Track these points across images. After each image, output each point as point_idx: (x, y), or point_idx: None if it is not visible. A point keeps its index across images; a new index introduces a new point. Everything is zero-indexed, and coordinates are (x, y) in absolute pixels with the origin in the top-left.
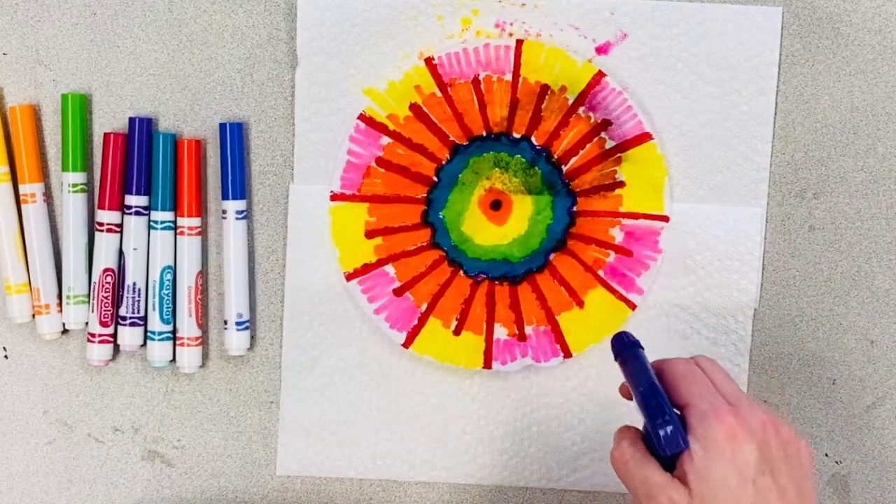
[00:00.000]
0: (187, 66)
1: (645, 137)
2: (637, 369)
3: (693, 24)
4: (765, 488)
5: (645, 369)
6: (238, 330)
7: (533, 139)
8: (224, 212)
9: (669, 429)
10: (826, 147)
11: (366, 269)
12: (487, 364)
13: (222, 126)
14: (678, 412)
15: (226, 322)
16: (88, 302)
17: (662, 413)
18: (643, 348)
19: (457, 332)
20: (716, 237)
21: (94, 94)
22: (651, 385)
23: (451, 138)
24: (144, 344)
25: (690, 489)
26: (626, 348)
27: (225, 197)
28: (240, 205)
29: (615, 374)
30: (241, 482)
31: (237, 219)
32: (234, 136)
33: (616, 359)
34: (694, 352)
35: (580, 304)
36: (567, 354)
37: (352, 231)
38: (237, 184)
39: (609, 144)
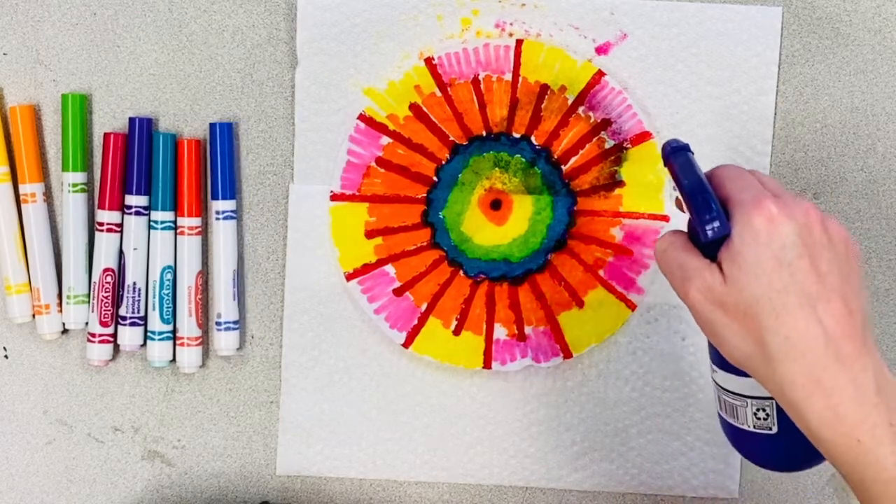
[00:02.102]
0: (187, 66)
1: (645, 137)
2: (684, 168)
3: (693, 24)
4: (801, 272)
5: (692, 168)
6: (219, 330)
7: (533, 139)
8: (217, 212)
9: (710, 214)
10: (826, 147)
11: (366, 269)
12: (487, 364)
13: (212, 126)
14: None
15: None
16: (88, 302)
17: (706, 202)
18: (693, 153)
19: (457, 332)
20: None
21: (94, 94)
22: (697, 179)
23: (451, 138)
24: (144, 344)
25: (724, 273)
26: (674, 151)
27: (214, 197)
28: (226, 205)
29: (615, 374)
30: (241, 482)
31: (222, 219)
32: (224, 137)
33: (665, 164)
34: (694, 352)
35: (580, 304)
36: (567, 355)
37: (352, 231)
38: (225, 184)
39: (609, 144)
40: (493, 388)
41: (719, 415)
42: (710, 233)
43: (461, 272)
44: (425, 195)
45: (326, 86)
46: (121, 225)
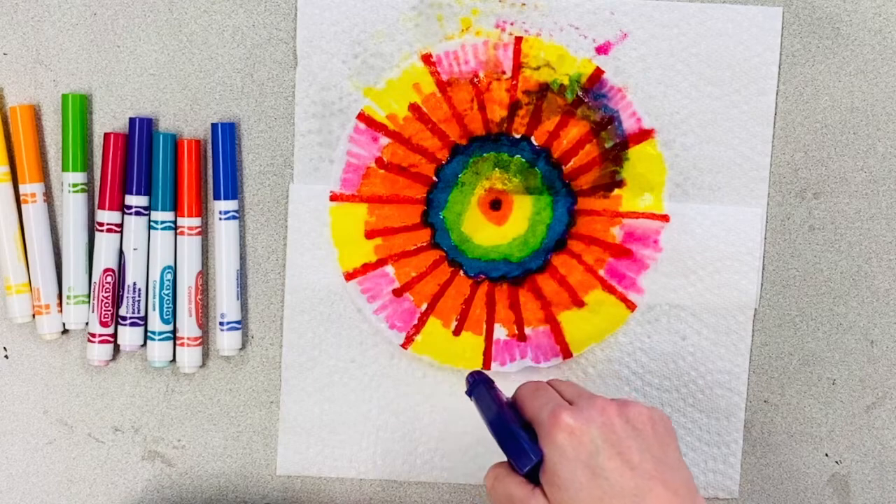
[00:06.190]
0: (187, 66)
1: (645, 136)
2: (484, 403)
3: (693, 24)
4: (615, 472)
5: (491, 401)
6: (223, 330)
7: (533, 139)
8: (219, 212)
9: (518, 449)
10: (826, 147)
11: (365, 269)
12: (487, 365)
13: (214, 126)
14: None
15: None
16: (88, 302)
17: (511, 437)
18: (491, 382)
19: (457, 332)
20: (716, 237)
21: (94, 94)
22: (497, 414)
23: (451, 138)
24: (144, 344)
25: (547, 497)
26: (472, 387)
27: (216, 197)
28: (227, 205)
29: (615, 374)
30: (241, 482)
31: (225, 219)
32: (225, 137)
33: (469, 397)
34: (693, 352)
35: (580, 304)
36: (567, 355)
37: (351, 231)
38: (227, 184)
39: (609, 143)
40: None
41: None
42: (522, 467)
43: (461, 272)
44: (425, 195)
45: (326, 86)
46: (121, 225)
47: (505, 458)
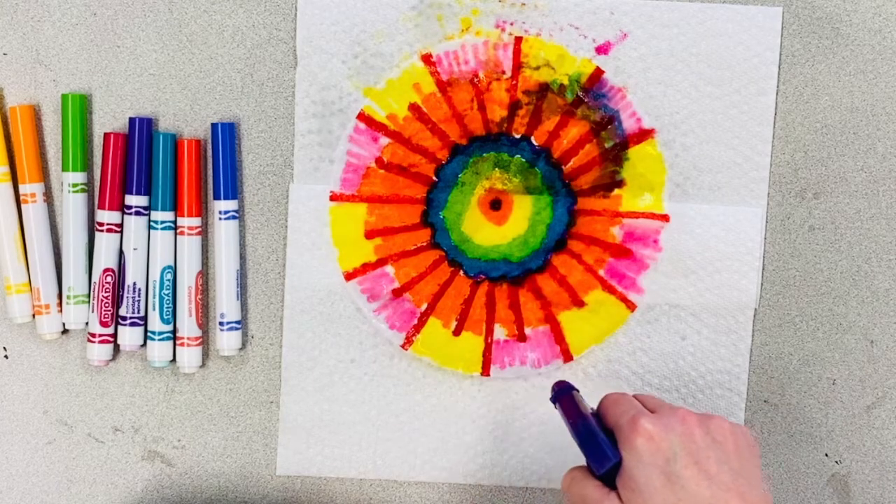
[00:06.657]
0: (187, 66)
1: (645, 136)
2: (568, 408)
3: (693, 24)
4: (691, 481)
5: (575, 406)
6: (223, 330)
7: (533, 139)
8: (219, 212)
9: (597, 451)
10: (826, 147)
11: (365, 268)
12: (486, 371)
13: (214, 126)
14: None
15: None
16: (88, 302)
17: (592, 440)
18: (575, 390)
19: (456, 332)
20: (716, 237)
21: (94, 94)
22: (580, 416)
23: (451, 138)
24: (144, 344)
25: (622, 501)
26: (558, 394)
27: (216, 197)
28: (227, 205)
29: (615, 374)
30: (241, 482)
31: (224, 219)
32: (225, 137)
33: (554, 404)
34: (693, 352)
35: (580, 304)
36: (567, 357)
37: (351, 231)
38: (227, 184)
39: (609, 143)
40: (492, 388)
41: None
42: (600, 468)
43: (461, 272)
44: (425, 195)
45: (326, 86)
46: (121, 225)
47: (576, 463)
